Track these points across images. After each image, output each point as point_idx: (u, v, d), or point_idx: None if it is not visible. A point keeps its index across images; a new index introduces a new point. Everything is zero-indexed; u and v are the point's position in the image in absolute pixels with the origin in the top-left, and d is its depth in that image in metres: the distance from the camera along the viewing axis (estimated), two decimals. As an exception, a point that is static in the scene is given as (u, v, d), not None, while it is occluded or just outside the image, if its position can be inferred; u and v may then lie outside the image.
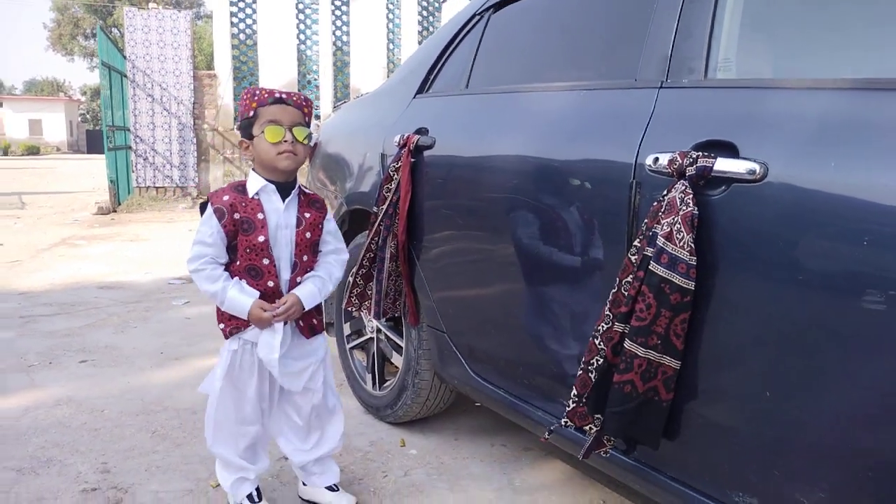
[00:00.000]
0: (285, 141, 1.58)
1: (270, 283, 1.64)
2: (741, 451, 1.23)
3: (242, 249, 1.61)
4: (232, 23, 10.37)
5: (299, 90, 10.62)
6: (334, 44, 10.76)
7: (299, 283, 1.68)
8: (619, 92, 1.52)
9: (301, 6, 10.61)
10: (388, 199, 2.09)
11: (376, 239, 2.15)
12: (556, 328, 1.61)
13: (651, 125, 1.38)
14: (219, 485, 1.86)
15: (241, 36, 10.51)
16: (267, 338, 1.66)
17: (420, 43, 9.86)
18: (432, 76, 2.27)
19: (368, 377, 2.52)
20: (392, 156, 2.15)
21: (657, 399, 1.30)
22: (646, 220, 1.29)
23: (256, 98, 1.60)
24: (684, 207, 1.22)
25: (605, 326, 1.35)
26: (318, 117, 9.86)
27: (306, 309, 1.68)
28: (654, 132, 1.37)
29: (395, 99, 2.40)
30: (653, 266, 1.24)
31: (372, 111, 2.56)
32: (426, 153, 2.04)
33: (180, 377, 2.90)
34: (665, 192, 1.26)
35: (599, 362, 1.35)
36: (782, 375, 1.14)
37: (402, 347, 2.33)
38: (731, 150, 1.21)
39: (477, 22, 2.15)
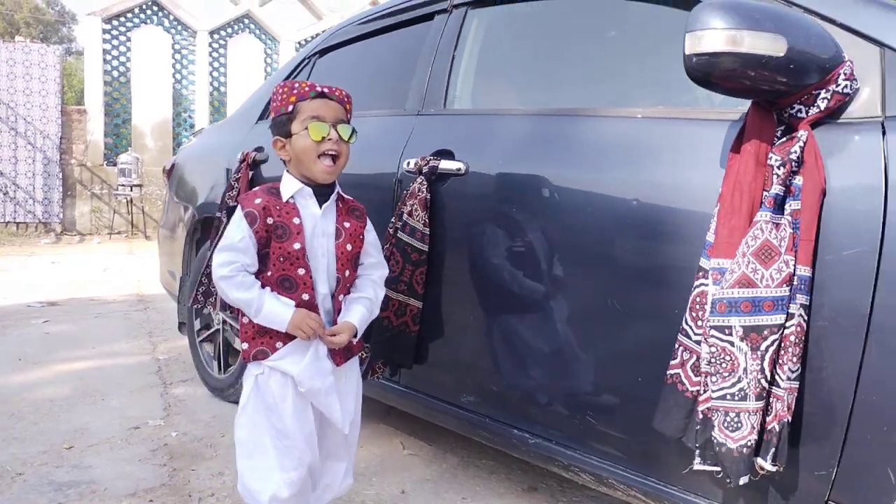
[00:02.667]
0: (330, 139, 1.40)
1: (305, 297, 1.42)
2: (467, 367, 1.75)
3: (275, 258, 1.40)
4: (105, 59, 10.38)
5: (174, 128, 10.75)
6: (211, 84, 10.99)
7: (341, 300, 1.48)
8: (394, 118, 2.07)
9: (177, 46, 10.81)
10: (230, 204, 2.52)
11: (218, 241, 2.56)
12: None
13: (410, 141, 1.93)
14: (72, 446, 2.15)
15: (115, 73, 10.53)
16: (306, 365, 1.42)
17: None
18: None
19: (214, 363, 2.89)
20: (234, 169, 2.59)
21: (407, 331, 1.81)
22: (398, 204, 1.82)
23: (296, 91, 1.42)
24: (420, 194, 1.76)
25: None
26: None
27: (357, 338, 1.50)
28: (410, 145, 1.92)
29: (239, 125, 2.85)
30: (399, 234, 1.77)
31: (221, 136, 3.00)
32: (262, 166, 2.51)
33: (39, 377, 3.11)
34: (411, 185, 1.80)
35: (372, 310, 1.85)
36: (490, 312, 1.68)
37: (243, 333, 2.73)
38: (451, 156, 1.77)
39: (307, 64, 2.67)
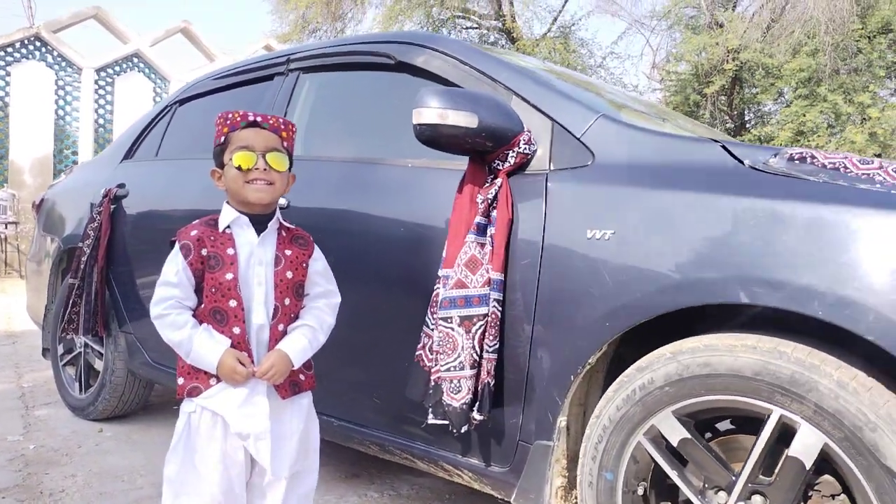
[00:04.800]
0: (256, 168, 1.37)
1: (236, 330, 1.38)
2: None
3: (208, 289, 1.38)
4: (-20, 93, 10.09)
5: (55, 165, 10.53)
6: (96, 121, 10.88)
7: (282, 331, 1.43)
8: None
9: (61, 82, 10.67)
10: (92, 235, 2.79)
11: (83, 268, 2.82)
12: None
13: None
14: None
15: (-9, 106, 10.23)
16: (239, 405, 1.37)
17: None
18: (135, 146, 3.06)
19: (76, 385, 3.09)
20: (97, 203, 2.87)
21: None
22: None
23: (228, 122, 1.41)
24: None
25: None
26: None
27: (295, 367, 1.42)
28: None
29: (106, 163, 3.14)
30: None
31: (88, 173, 3.27)
32: (123, 201, 2.80)
33: None
34: (243, 216, 2.17)
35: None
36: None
37: (103, 354, 2.97)
38: (276, 192, 2.16)
39: (168, 111, 3.01)
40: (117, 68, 11.09)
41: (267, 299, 1.41)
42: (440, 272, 1.66)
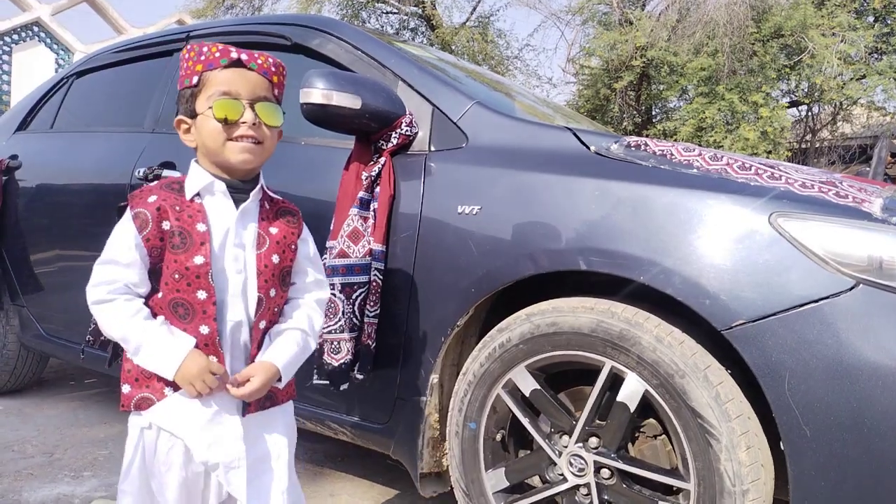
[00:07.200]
0: (243, 122, 1.09)
1: (205, 329, 1.09)
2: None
3: (169, 275, 1.08)
4: None
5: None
6: (-8, 91, 10.29)
7: (263, 330, 1.15)
8: (134, 134, 2.47)
9: (-49, 48, 10.02)
10: (-16, 207, 2.73)
11: None
12: (85, 283, 2.44)
13: (143, 154, 2.34)
14: None
15: None
16: (203, 425, 1.09)
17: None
18: (30, 118, 3.00)
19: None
20: (-13, 175, 2.81)
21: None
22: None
23: (204, 58, 1.10)
24: (145, 196, 2.18)
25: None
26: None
27: (282, 384, 1.16)
28: (143, 157, 2.33)
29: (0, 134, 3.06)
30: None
31: (-21, 144, 3.16)
32: (16, 173, 2.76)
33: None
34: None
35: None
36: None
37: (-5, 329, 2.92)
38: (173, 167, 2.21)
39: (65, 83, 2.96)
40: (15, 37, 10.49)
41: (247, 290, 1.13)
42: (327, 243, 1.77)
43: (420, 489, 1.72)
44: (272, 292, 1.15)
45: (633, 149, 1.53)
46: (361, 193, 1.74)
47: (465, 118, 1.76)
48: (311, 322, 1.21)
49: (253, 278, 1.13)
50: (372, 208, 1.74)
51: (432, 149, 1.78)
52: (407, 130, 1.78)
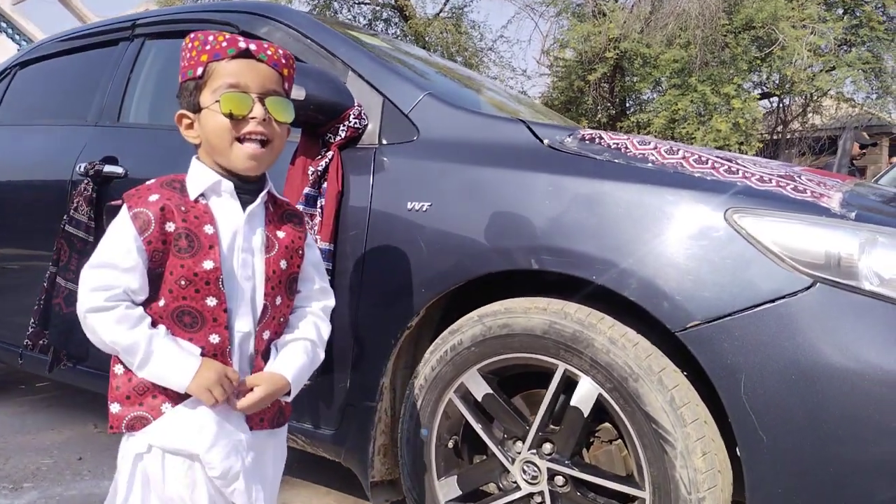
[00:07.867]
0: (253, 117, 1.01)
1: (215, 339, 1.02)
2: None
3: (174, 281, 1.00)
4: None
5: None
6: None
7: (267, 341, 1.09)
8: (76, 127, 2.36)
9: None
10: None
11: None
12: (25, 283, 2.32)
13: (85, 148, 2.23)
14: None
15: None
16: (213, 438, 1.01)
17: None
18: (-31, 111, 2.86)
19: None
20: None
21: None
22: (69, 202, 2.12)
23: (209, 48, 1.02)
24: (86, 192, 2.08)
25: (50, 272, 2.12)
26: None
27: (291, 398, 1.11)
28: (85, 152, 2.22)
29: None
30: (67, 227, 2.07)
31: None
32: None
33: None
34: (80, 185, 2.10)
35: (44, 296, 2.11)
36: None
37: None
38: (115, 161, 2.11)
39: (8, 73, 2.83)
40: (-26, 26, 10.17)
41: (255, 297, 1.06)
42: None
43: (371, 498, 1.65)
44: (278, 300, 1.09)
45: (587, 142, 1.47)
46: (308, 189, 1.66)
47: (416, 110, 1.68)
48: (319, 332, 1.16)
49: (261, 285, 1.07)
50: (319, 205, 1.66)
51: (383, 142, 1.70)
52: (356, 123, 1.69)
